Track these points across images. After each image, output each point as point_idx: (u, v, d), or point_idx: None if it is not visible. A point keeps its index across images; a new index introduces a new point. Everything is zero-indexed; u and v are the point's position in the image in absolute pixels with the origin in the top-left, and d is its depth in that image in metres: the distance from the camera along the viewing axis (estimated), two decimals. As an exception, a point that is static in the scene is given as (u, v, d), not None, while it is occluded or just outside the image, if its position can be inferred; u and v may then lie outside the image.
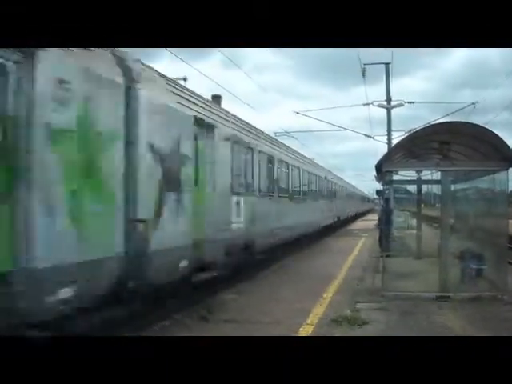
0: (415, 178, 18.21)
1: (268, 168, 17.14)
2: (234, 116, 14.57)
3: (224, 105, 15.15)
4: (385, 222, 18.91)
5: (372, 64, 29.73)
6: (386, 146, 28.68)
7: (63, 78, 6.38)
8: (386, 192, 19.93)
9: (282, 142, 22.83)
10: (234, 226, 13.03)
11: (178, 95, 10.17)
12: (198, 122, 10.66)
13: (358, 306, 10.92)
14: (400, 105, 29.18)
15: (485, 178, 13.64)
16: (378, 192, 34.39)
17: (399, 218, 24.56)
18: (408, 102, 29.70)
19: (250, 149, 15.02)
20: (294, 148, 24.15)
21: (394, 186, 18.95)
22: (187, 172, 9.93)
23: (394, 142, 26.39)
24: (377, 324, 9.26)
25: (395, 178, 15.77)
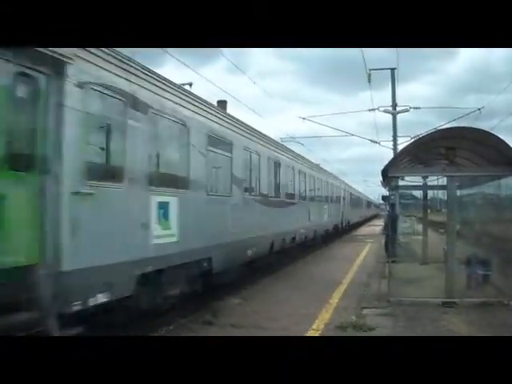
0: (421, 184, 18.18)
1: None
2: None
3: (229, 110, 15.18)
4: (390, 228, 18.88)
5: (377, 69, 29.68)
6: (392, 151, 28.61)
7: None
8: (392, 197, 19.90)
9: (289, 147, 22.79)
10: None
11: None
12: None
13: (364, 311, 10.91)
14: (406, 110, 29.04)
15: (491, 183, 13.61)
16: (383, 197, 34.32)
17: (405, 224, 24.49)
18: (414, 108, 29.64)
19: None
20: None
21: (400, 191, 18.94)
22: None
23: (400, 147, 26.30)
24: (382, 330, 9.22)
25: (401, 183, 15.77)
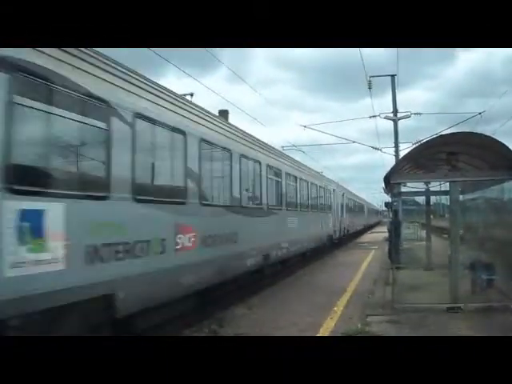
0: (423, 189, 18.16)
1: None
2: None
3: (231, 119, 15.29)
4: (394, 234, 18.85)
5: (378, 76, 29.75)
6: (394, 157, 28.64)
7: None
8: (395, 204, 19.88)
9: (291, 155, 22.84)
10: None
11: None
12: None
13: (369, 319, 10.87)
14: (407, 116, 29.06)
15: (494, 187, 13.61)
16: (386, 204, 34.30)
17: (408, 230, 24.47)
18: (414, 114, 29.66)
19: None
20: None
21: (403, 197, 18.92)
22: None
23: (402, 153, 26.31)
24: (388, 336, 9.19)
25: (403, 189, 15.75)
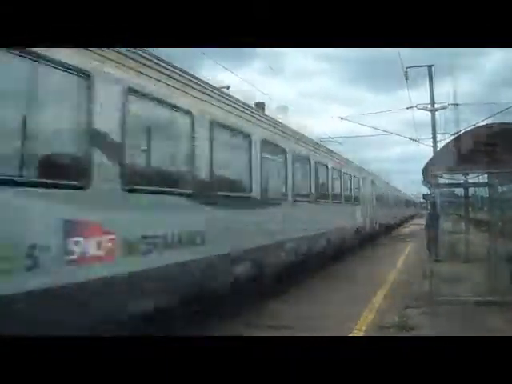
0: (462, 181, 17.96)
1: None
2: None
3: (267, 112, 15.31)
4: (432, 227, 18.71)
5: (414, 67, 29.44)
6: (432, 149, 28.31)
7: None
8: (433, 196, 19.69)
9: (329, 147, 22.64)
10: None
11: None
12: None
13: (407, 311, 10.90)
14: (444, 107, 28.73)
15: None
16: (424, 196, 33.91)
17: (446, 223, 24.19)
18: (452, 104, 29.25)
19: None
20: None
21: (441, 189, 18.75)
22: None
23: (440, 144, 26.01)
24: (425, 329, 9.22)
25: (442, 181, 15.62)
